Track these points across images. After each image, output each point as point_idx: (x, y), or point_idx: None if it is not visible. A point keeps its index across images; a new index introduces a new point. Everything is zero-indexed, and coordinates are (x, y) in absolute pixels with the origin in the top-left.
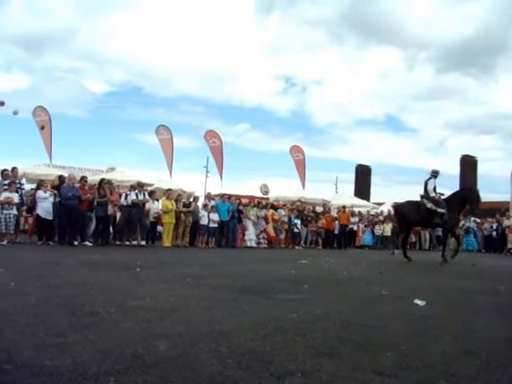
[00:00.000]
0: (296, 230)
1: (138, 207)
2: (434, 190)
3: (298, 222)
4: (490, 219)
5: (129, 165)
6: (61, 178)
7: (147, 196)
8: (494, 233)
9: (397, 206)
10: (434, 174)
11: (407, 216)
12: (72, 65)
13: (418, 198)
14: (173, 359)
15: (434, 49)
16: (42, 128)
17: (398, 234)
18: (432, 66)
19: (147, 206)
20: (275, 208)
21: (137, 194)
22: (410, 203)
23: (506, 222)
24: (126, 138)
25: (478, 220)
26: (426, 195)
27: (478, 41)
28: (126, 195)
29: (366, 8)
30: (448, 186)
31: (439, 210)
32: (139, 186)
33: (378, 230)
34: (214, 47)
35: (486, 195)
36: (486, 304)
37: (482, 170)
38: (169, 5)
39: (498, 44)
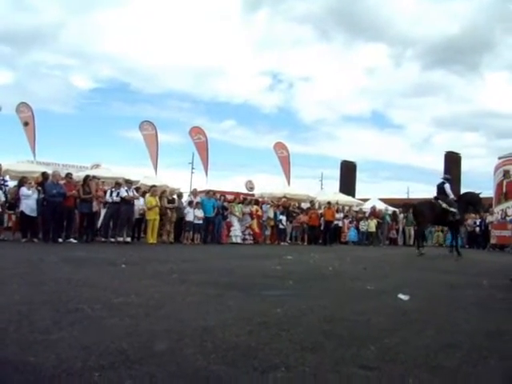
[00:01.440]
0: (281, 227)
1: (127, 204)
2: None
3: (284, 218)
4: (474, 215)
5: (114, 161)
6: (44, 174)
7: (135, 193)
8: (478, 228)
9: (415, 205)
10: (448, 179)
11: (424, 214)
12: (58, 61)
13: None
14: (158, 355)
15: (421, 46)
16: (26, 124)
17: (419, 234)
18: (418, 63)
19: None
20: (260, 204)
21: (127, 191)
22: (426, 203)
23: (489, 218)
24: (112, 134)
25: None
26: (442, 197)
27: (464, 38)
28: (111, 192)
29: (354, 5)
30: (431, 182)
31: (452, 209)
32: (128, 183)
33: (362, 226)
34: (201, 43)
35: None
36: (468, 298)
37: (465, 166)
38: (156, 1)
39: (484, 42)
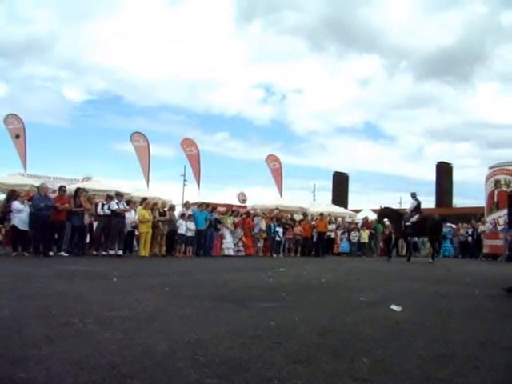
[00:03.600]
0: (278, 239)
1: (119, 217)
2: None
3: (280, 230)
4: (466, 225)
5: (106, 174)
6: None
7: (126, 205)
8: (470, 238)
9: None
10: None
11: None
12: (51, 73)
13: (396, 206)
14: (150, 369)
15: (414, 57)
16: (17, 137)
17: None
18: (411, 75)
19: (126, 215)
20: (251, 216)
21: (117, 203)
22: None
23: (481, 228)
24: (104, 147)
25: (454, 226)
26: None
27: (457, 50)
28: (103, 205)
29: (347, 16)
30: (424, 193)
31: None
32: (118, 196)
33: (354, 236)
34: (195, 56)
35: (462, 201)
36: (460, 308)
37: (458, 176)
38: (150, 14)
39: (476, 54)
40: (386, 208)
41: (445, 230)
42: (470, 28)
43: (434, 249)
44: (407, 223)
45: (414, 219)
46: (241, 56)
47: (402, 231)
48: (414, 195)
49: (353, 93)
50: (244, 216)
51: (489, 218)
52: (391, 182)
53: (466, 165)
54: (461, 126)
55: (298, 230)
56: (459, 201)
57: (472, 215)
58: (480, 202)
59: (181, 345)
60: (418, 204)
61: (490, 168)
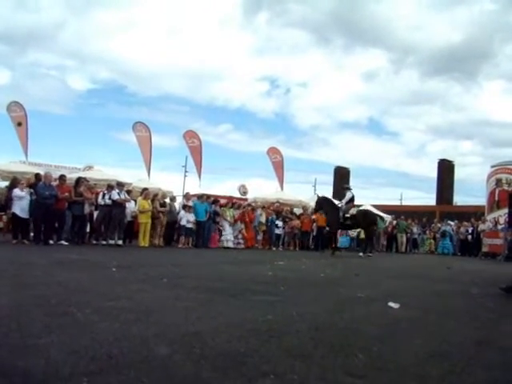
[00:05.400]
0: (278, 232)
1: (119, 207)
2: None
3: (280, 223)
4: (466, 223)
5: (107, 163)
6: (37, 176)
7: (127, 195)
8: (470, 236)
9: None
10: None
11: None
12: (55, 62)
13: (397, 202)
14: (147, 360)
15: (421, 53)
16: (19, 125)
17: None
18: (417, 71)
19: (126, 205)
20: (252, 209)
21: (118, 193)
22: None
23: (481, 226)
24: (106, 136)
25: (452, 223)
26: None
27: (464, 47)
28: (104, 194)
29: (354, 9)
30: (425, 190)
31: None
32: (119, 186)
33: (353, 231)
34: (200, 47)
35: (463, 199)
36: (458, 307)
37: (460, 174)
38: (155, 4)
39: (483, 51)
40: (324, 198)
41: (445, 227)
42: (478, 25)
43: (371, 243)
44: (346, 215)
45: (353, 212)
46: (246, 48)
47: (339, 223)
48: (349, 188)
49: (357, 87)
50: (245, 209)
51: (489, 217)
52: (393, 177)
53: (469, 163)
54: (464, 123)
55: (296, 223)
56: (460, 199)
57: (472, 213)
58: (481, 200)
59: (178, 337)
60: (353, 196)
61: (492, 167)
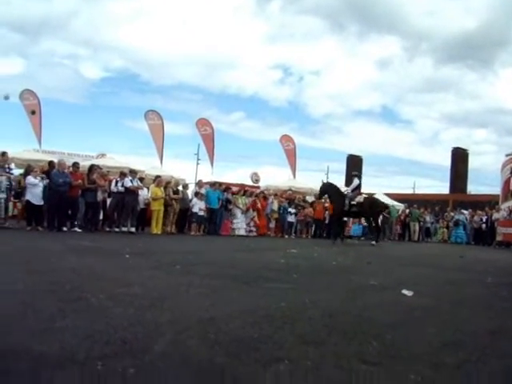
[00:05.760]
0: (290, 220)
1: (132, 194)
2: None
3: (293, 210)
4: (480, 212)
5: (120, 151)
6: (51, 163)
7: (139, 183)
8: (484, 225)
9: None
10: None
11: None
12: (69, 50)
13: (409, 191)
14: (161, 345)
15: (435, 40)
16: (33, 113)
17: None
18: (432, 58)
19: (139, 192)
20: (264, 197)
21: (131, 181)
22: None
23: (495, 215)
24: (119, 124)
25: (466, 212)
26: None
27: (480, 34)
28: (117, 181)
29: None
30: (438, 178)
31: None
32: (132, 173)
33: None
34: (213, 35)
35: (476, 188)
36: (472, 296)
37: (474, 163)
38: None
39: (499, 38)
40: (329, 184)
41: (458, 216)
42: (494, 12)
43: (378, 232)
44: (352, 202)
45: (360, 199)
46: (259, 35)
47: (344, 210)
48: (356, 175)
49: (371, 75)
50: (257, 197)
51: (503, 206)
52: (406, 166)
53: (483, 151)
54: (479, 111)
55: (308, 211)
56: (474, 187)
57: (486, 202)
58: (495, 189)
59: (192, 323)
60: (360, 184)
61: (507, 155)
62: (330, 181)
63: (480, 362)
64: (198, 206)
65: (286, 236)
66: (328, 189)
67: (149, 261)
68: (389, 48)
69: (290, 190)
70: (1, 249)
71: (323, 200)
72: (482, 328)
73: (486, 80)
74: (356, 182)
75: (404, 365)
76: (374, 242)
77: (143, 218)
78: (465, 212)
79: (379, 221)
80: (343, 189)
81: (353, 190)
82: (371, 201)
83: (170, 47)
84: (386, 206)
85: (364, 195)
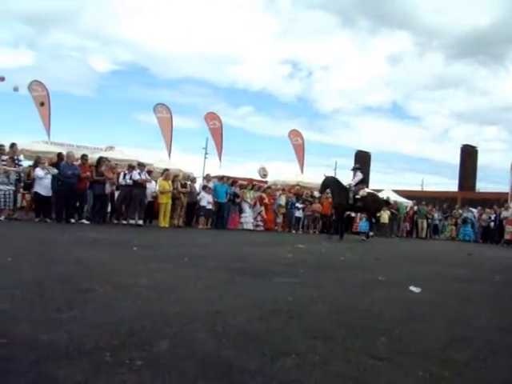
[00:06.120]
0: (297, 215)
1: (140, 187)
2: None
3: (301, 205)
4: (489, 210)
5: (128, 144)
6: (60, 155)
7: (147, 176)
8: (492, 223)
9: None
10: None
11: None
12: (78, 43)
13: (418, 188)
14: (168, 337)
15: (446, 36)
16: (42, 104)
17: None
18: (443, 54)
19: (147, 185)
20: (271, 194)
21: (139, 174)
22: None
23: (504, 213)
24: (127, 117)
25: (474, 210)
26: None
27: (491, 31)
28: (125, 174)
29: None
30: (447, 175)
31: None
32: (140, 166)
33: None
34: (222, 30)
35: (485, 186)
36: (480, 293)
37: (484, 160)
38: None
39: (511, 34)
40: (331, 177)
41: (467, 214)
42: (505, 8)
43: (372, 228)
44: (357, 196)
45: (364, 193)
46: (269, 30)
47: (347, 204)
48: (359, 168)
49: (381, 71)
50: (265, 192)
51: None
52: (415, 163)
53: (492, 149)
54: (489, 109)
55: (316, 206)
56: (483, 185)
57: (495, 200)
58: (504, 187)
59: (200, 315)
60: (363, 178)
61: None
62: (334, 175)
63: (489, 358)
64: (206, 200)
65: (294, 231)
66: (330, 183)
67: (156, 253)
68: (400, 44)
69: (297, 185)
70: (9, 240)
71: (328, 194)
72: (491, 325)
73: (497, 76)
74: (359, 175)
75: (412, 361)
76: (364, 238)
77: (151, 210)
78: (473, 210)
79: (387, 218)
80: (345, 183)
81: (356, 184)
82: (373, 195)
83: (178, 41)
84: (387, 202)
85: (367, 189)
